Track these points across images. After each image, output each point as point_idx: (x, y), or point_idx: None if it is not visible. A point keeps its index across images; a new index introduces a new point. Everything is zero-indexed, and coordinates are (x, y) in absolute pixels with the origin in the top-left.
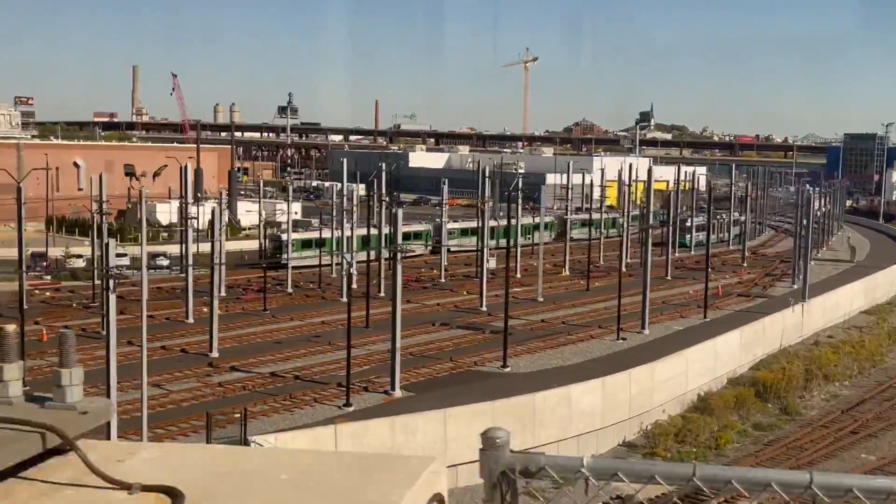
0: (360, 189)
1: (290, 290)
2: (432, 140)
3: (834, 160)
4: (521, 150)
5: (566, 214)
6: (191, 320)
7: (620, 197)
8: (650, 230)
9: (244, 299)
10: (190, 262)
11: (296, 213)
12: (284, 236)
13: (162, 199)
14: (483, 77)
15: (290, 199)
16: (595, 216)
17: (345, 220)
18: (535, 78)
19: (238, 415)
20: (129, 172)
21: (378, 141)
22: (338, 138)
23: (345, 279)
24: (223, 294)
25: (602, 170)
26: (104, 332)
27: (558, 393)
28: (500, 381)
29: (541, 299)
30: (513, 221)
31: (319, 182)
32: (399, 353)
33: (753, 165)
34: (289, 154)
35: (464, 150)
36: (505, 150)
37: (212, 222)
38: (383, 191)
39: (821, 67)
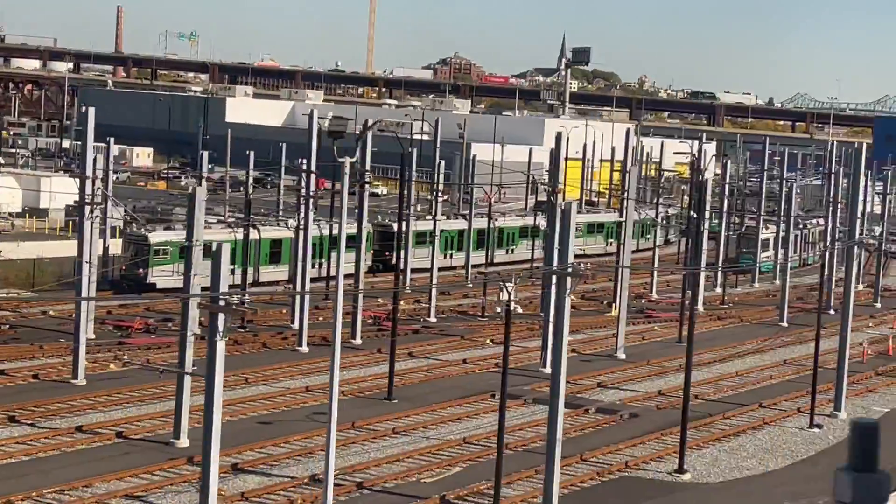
0: (146, 154)
1: (196, 330)
2: (215, 75)
3: (884, 136)
4: (417, 104)
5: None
6: (81, 380)
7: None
8: (860, 247)
9: (133, 343)
10: (88, 280)
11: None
12: (154, 236)
13: None
14: None
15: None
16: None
17: (309, 212)
18: None
19: None
20: None
21: (129, 73)
22: (34, 64)
23: (505, 309)
24: (91, 335)
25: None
26: None
27: None
28: (693, 498)
29: (623, 356)
30: (501, 222)
31: (76, 142)
32: (559, 445)
33: (742, 140)
34: None
35: (314, 96)
36: (389, 101)
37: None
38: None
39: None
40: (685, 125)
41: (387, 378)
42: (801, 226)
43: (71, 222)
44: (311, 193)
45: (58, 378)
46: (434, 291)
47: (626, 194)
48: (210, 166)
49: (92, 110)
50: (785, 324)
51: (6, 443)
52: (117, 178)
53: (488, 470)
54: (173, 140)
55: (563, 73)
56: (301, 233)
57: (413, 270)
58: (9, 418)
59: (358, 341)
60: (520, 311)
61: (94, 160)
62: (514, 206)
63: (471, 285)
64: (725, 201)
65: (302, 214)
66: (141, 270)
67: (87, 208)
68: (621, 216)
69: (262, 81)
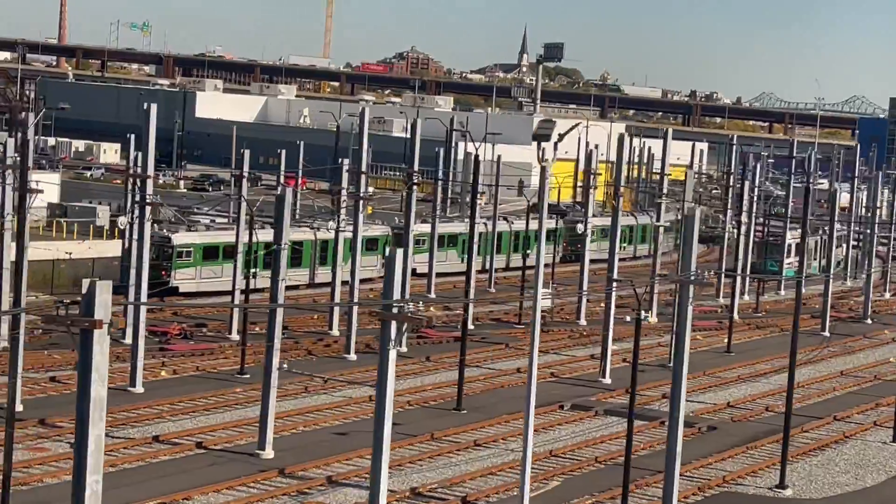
0: (113, 150)
1: (234, 334)
2: (169, 68)
3: (868, 138)
4: (397, 100)
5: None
6: (139, 388)
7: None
8: None
9: (173, 349)
10: (143, 283)
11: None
12: (178, 238)
13: None
14: None
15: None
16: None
17: (360, 213)
18: None
19: None
20: None
21: (77, 65)
22: None
23: (635, 318)
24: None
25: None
26: None
27: None
28: None
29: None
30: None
31: (41, 137)
32: (678, 460)
33: (718, 140)
34: None
35: (287, 92)
36: (367, 96)
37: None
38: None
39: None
40: (658, 125)
41: (447, 387)
42: (820, 231)
43: (55, 221)
44: (364, 194)
45: (112, 385)
46: (472, 298)
47: (683, 198)
48: (182, 163)
49: (154, 107)
50: (827, 333)
51: None
52: (91, 174)
53: (586, 484)
54: (140, 136)
55: (524, 68)
56: (351, 235)
57: (436, 274)
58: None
59: (403, 349)
60: (651, 320)
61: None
62: (509, 209)
63: (545, 290)
64: (754, 205)
65: (343, 216)
66: (164, 273)
67: (134, 210)
68: (635, 220)
69: (216, 74)
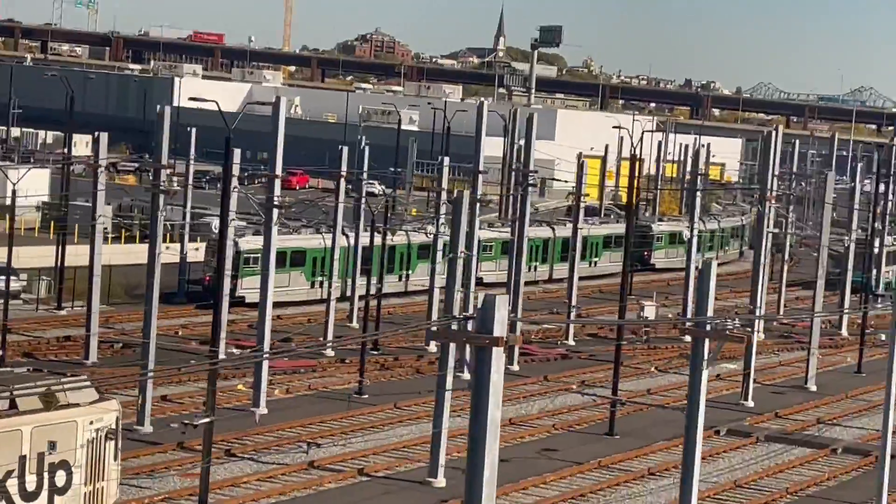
0: (84, 143)
1: (329, 350)
2: (118, 50)
3: None
4: (399, 88)
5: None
6: (263, 408)
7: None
8: None
9: (274, 367)
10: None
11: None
12: (244, 243)
13: None
14: None
15: None
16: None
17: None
18: None
19: None
20: None
21: (17, 46)
22: None
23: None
24: (222, 356)
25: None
26: None
27: None
28: None
29: (813, 388)
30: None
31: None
32: None
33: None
34: None
35: (272, 78)
36: (364, 85)
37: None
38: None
39: None
40: (656, 117)
41: (581, 410)
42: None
43: (53, 222)
44: (479, 197)
45: (228, 406)
46: (573, 311)
47: (824, 203)
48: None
49: (284, 100)
50: None
51: (248, 480)
52: (73, 170)
53: None
54: (112, 126)
55: (501, 53)
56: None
57: (502, 284)
58: (224, 452)
59: (515, 367)
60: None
61: None
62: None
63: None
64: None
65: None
66: (232, 281)
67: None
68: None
69: (172, 58)
